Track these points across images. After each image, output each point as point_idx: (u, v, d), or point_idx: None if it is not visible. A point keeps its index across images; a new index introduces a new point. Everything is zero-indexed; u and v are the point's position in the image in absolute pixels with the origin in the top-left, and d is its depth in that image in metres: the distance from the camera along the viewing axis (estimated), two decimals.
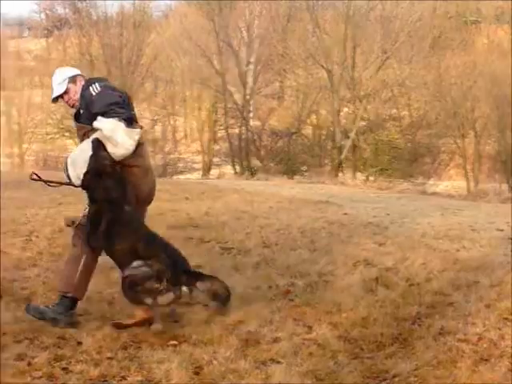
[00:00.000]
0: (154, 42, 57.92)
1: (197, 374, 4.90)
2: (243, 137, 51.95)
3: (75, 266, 6.02)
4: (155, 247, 5.82)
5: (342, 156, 42.31)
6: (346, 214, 14.03)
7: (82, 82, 6.26)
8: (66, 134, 56.42)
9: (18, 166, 56.29)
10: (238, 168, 52.04)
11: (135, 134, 5.92)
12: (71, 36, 63.83)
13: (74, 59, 57.99)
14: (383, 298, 6.91)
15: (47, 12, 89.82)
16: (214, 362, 5.08)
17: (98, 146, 5.83)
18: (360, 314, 6.29)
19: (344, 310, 6.44)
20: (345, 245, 10.12)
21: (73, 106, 6.34)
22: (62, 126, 56.36)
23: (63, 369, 4.85)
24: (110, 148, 5.85)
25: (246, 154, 51.74)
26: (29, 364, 4.89)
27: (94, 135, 5.88)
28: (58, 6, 75.80)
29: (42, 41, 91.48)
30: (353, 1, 42.94)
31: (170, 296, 5.66)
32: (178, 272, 5.70)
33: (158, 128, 59.10)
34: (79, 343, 5.39)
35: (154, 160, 55.68)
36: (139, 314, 5.76)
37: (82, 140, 6.15)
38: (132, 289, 5.63)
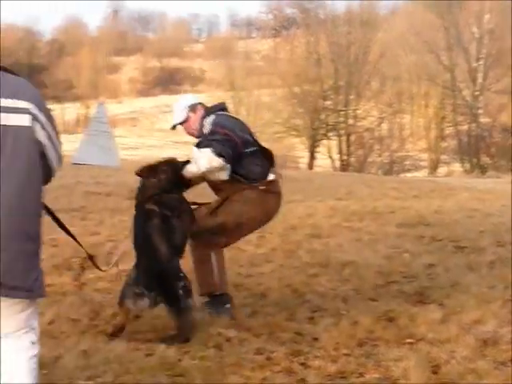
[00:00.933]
0: (381, 39, 57.62)
1: (435, 373, 4.78)
2: (473, 134, 50.50)
3: (209, 268, 6.10)
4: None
5: None
6: None
7: (202, 112, 6.32)
8: (293, 132, 57.33)
9: None
10: (467, 166, 50.65)
11: (215, 161, 5.89)
12: (299, 35, 64.87)
13: (301, 58, 58.98)
14: None
15: (275, 12, 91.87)
16: (452, 361, 4.94)
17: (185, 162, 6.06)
18: None
19: None
20: None
21: (192, 135, 6.42)
22: (288, 125, 57.33)
23: (301, 364, 4.89)
24: (188, 165, 6.00)
25: (476, 152, 50.31)
26: (268, 358, 4.97)
27: None
28: (286, 7, 77.21)
29: (270, 41, 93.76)
30: None
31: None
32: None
33: (385, 126, 58.69)
34: (315, 339, 5.42)
35: (381, 158, 55.51)
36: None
37: None
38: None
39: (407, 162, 57.83)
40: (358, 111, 55.90)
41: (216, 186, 6.25)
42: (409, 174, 50.20)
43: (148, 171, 5.98)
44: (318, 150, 56.18)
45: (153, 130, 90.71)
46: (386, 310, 6.27)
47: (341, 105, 55.58)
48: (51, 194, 14.48)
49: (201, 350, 5.11)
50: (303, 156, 58.66)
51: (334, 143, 54.98)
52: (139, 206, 5.96)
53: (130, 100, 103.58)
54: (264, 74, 67.00)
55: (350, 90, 55.33)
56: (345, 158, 54.61)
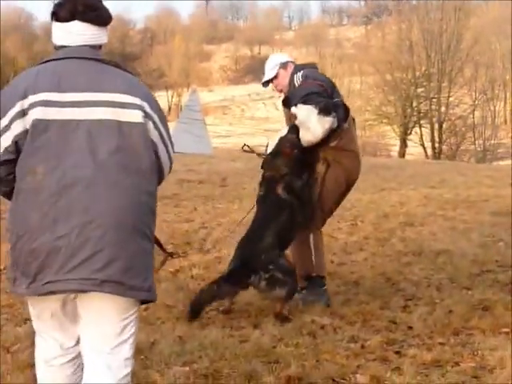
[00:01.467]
0: (474, 25, 56.62)
1: None
2: None
3: (307, 249, 6.08)
4: None
5: None
6: None
7: (292, 68, 6.30)
8: (385, 120, 56.87)
9: None
10: None
11: (327, 122, 5.81)
12: (390, 23, 64.25)
13: (392, 45, 58.38)
14: None
15: (367, 0, 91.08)
16: None
17: (292, 129, 5.98)
18: None
19: None
20: None
21: (281, 91, 6.42)
22: (380, 113, 56.92)
23: (396, 352, 4.86)
24: (301, 133, 5.92)
25: None
26: (362, 346, 4.97)
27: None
28: None
29: (361, 28, 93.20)
30: None
31: None
32: None
33: (478, 113, 57.62)
34: (410, 328, 5.38)
35: (474, 145, 54.56)
36: None
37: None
38: None
39: (500, 150, 56.75)
40: (451, 99, 55.01)
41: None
42: (502, 163, 49.17)
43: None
44: (409, 137, 55.53)
45: (243, 117, 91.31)
46: (481, 298, 6.18)
47: (433, 92, 54.82)
48: None
49: (295, 337, 5.14)
50: (395, 144, 58.18)
51: (426, 131, 54.27)
52: (269, 182, 6.05)
53: (221, 88, 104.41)
54: (355, 62, 66.72)
55: (442, 77, 54.50)
56: (437, 145, 53.83)
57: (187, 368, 4.48)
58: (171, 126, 35.93)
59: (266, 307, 5.86)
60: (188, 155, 24.65)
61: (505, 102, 64.79)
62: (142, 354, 4.67)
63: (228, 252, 7.92)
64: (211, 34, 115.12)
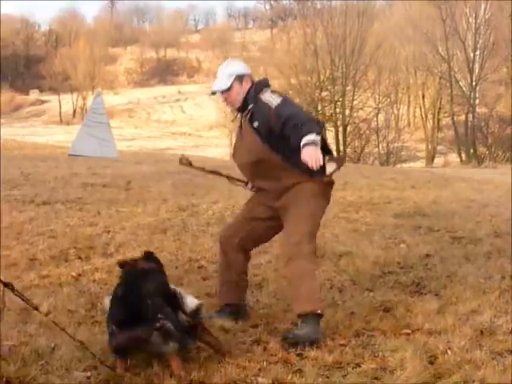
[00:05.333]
0: (378, 30, 57.77)
1: (431, 363, 4.79)
2: (469, 124, 50.63)
3: (313, 280, 5.50)
4: None
5: None
6: None
7: (249, 85, 5.77)
8: None
9: None
10: (463, 156, 50.78)
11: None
12: (295, 26, 64.92)
13: (298, 49, 59.02)
14: None
15: (272, 3, 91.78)
16: (449, 351, 4.94)
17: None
18: None
19: None
20: None
21: (230, 105, 5.87)
22: None
23: (298, 355, 4.89)
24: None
25: (473, 142, 50.42)
26: (264, 349, 4.98)
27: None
28: None
29: (267, 32, 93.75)
30: None
31: None
32: None
33: (382, 116, 58.78)
34: None
35: (378, 148, 55.60)
36: None
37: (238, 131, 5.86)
38: None
39: (404, 153, 57.96)
40: (355, 102, 56.00)
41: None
42: (405, 165, 50.32)
43: None
44: None
45: (150, 120, 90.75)
46: (383, 300, 6.29)
47: (337, 95, 55.65)
48: (48, 185, 14.54)
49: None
50: None
51: (330, 134, 55.00)
52: None
53: (127, 91, 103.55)
54: (261, 65, 66.90)
55: (346, 80, 55.43)
56: (341, 148, 54.66)
57: (89, 373, 4.42)
58: (76, 129, 35.61)
59: None
60: (92, 158, 24.35)
61: (408, 106, 66.17)
62: (42, 358, 4.60)
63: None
64: (116, 37, 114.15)
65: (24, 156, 28.57)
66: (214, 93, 5.95)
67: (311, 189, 5.52)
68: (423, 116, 60.28)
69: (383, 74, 59.09)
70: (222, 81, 5.77)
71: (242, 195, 13.91)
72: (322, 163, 5.18)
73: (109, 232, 9.54)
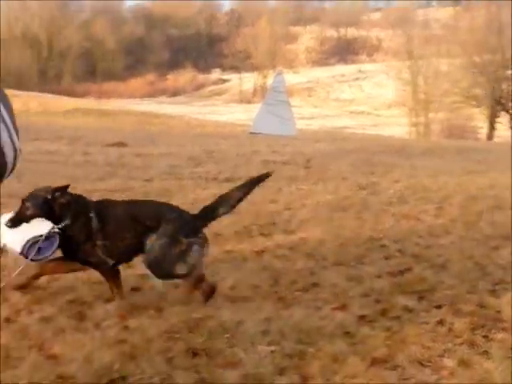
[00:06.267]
0: None
1: None
2: None
3: None
4: None
5: None
6: None
7: None
8: (473, 102, 55.81)
9: (425, 135, 56.95)
10: None
11: None
12: (479, 3, 62.90)
13: (481, 27, 57.19)
14: None
15: None
16: None
17: None
18: None
19: None
20: None
21: None
22: (468, 95, 55.85)
23: (484, 336, 4.76)
24: None
25: None
26: (449, 330, 4.88)
27: None
28: None
29: (450, 9, 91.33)
30: None
31: None
32: None
33: None
34: (498, 312, 5.26)
35: None
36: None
37: None
38: None
39: None
40: None
41: None
42: None
43: None
44: (498, 120, 54.40)
45: (328, 99, 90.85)
46: None
47: None
48: (229, 164, 14.88)
49: (380, 319, 5.08)
50: (482, 126, 57.07)
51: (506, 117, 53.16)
52: None
53: (307, 70, 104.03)
54: (443, 43, 65.45)
55: None
56: None
57: (272, 347, 4.48)
58: (256, 107, 36.37)
59: (351, 288, 5.82)
60: (272, 136, 24.70)
61: None
62: (227, 332, 4.69)
63: (315, 233, 7.91)
64: (297, 16, 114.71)
65: (206, 134, 29.36)
66: None
67: None
68: None
69: None
70: None
71: (425, 174, 13.77)
72: None
73: (290, 209, 9.64)
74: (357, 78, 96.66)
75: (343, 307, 5.31)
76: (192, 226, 5.28)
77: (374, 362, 4.28)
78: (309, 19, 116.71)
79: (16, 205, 5.27)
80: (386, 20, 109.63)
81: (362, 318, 5.08)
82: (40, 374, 3.96)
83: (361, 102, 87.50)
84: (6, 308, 5.04)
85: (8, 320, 4.85)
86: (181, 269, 5.16)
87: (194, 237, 5.21)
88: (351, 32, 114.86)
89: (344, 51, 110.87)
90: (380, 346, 4.51)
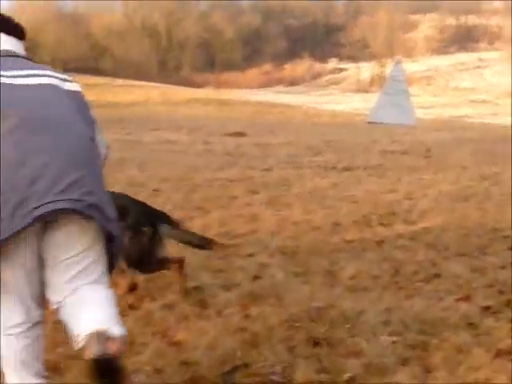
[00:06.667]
0: None
1: None
2: None
3: None
4: None
5: None
6: None
7: None
8: None
9: None
10: None
11: None
12: None
13: None
14: None
15: None
16: None
17: None
18: None
19: None
20: None
21: None
22: None
23: None
24: None
25: None
26: None
27: None
28: None
29: None
30: None
31: None
32: None
33: None
34: None
35: None
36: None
37: None
38: None
39: None
40: None
41: None
42: None
43: None
44: None
45: (448, 88, 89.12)
46: None
47: None
48: (347, 153, 14.83)
49: (505, 310, 4.96)
50: None
51: None
52: None
53: (425, 58, 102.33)
54: None
55: None
56: None
57: (394, 338, 4.43)
58: (374, 97, 36.11)
59: (474, 279, 5.72)
60: (391, 126, 24.45)
61: None
62: (348, 322, 4.68)
63: (437, 223, 7.79)
64: (416, 4, 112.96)
65: (323, 123, 29.32)
66: None
67: None
68: None
69: None
70: None
71: None
72: None
73: (410, 199, 9.54)
74: (477, 67, 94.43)
75: (467, 298, 5.22)
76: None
77: (499, 353, 4.19)
78: (428, 7, 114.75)
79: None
80: (507, 7, 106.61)
81: (486, 309, 4.99)
82: (163, 360, 4.05)
83: (481, 90, 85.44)
84: (131, 295, 5.17)
85: (132, 307, 4.97)
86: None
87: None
88: (471, 20, 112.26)
89: (464, 39, 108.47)
90: (505, 338, 4.42)
